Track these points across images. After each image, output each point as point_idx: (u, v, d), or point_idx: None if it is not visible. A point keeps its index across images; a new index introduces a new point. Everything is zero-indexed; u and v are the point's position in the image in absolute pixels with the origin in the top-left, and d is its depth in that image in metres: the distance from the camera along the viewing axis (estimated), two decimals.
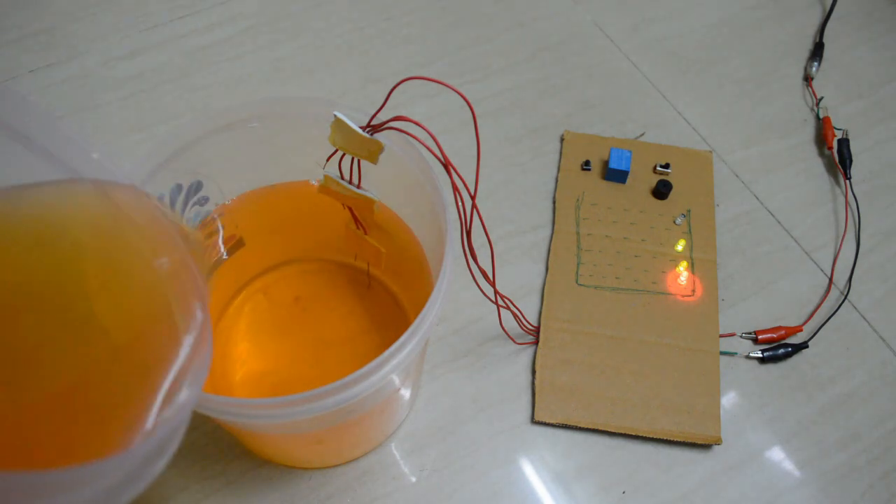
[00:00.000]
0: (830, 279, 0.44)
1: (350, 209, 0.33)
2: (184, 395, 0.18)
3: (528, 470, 0.37)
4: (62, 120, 0.48)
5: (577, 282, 0.42)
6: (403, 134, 0.27)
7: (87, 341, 0.17)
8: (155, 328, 0.19)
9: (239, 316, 0.37)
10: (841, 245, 0.45)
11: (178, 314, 0.20)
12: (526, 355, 0.40)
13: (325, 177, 0.31)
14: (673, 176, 0.46)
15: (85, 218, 0.19)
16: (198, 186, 0.32)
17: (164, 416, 0.18)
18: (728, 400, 0.39)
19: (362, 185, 0.31)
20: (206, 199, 0.33)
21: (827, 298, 0.43)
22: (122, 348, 0.18)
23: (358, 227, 0.34)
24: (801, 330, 0.41)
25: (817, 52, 0.53)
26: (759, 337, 0.41)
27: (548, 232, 0.44)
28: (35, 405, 0.16)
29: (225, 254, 0.32)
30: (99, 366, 0.17)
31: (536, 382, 0.39)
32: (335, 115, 0.28)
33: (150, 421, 0.17)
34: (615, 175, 0.45)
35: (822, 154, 0.49)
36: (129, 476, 0.15)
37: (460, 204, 0.28)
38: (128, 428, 0.17)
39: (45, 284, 0.17)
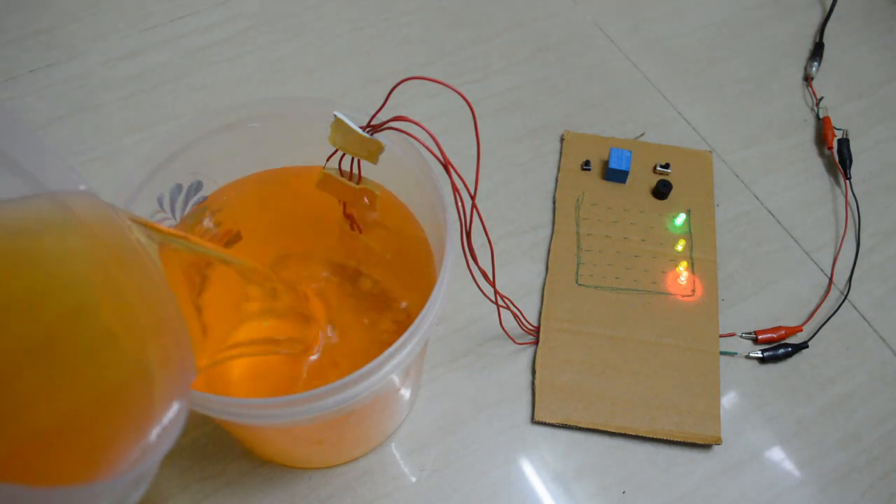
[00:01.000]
0: (830, 279, 0.44)
1: (345, 209, 0.33)
2: (160, 433, 0.18)
3: (528, 470, 0.37)
4: (61, 123, 0.48)
5: (577, 282, 0.42)
6: (403, 134, 0.27)
7: (70, 373, 0.17)
8: (128, 364, 0.19)
9: None
10: (841, 245, 0.45)
11: (155, 348, 0.19)
12: (526, 355, 0.40)
13: (324, 173, 0.30)
14: (673, 176, 0.46)
15: (60, 245, 0.18)
16: (198, 186, 0.32)
17: (144, 449, 0.17)
18: (728, 400, 0.39)
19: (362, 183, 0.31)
20: (205, 199, 0.33)
21: (827, 298, 0.43)
22: (98, 384, 0.18)
23: (353, 228, 0.34)
24: (801, 330, 0.41)
25: (817, 52, 0.53)
26: (759, 337, 0.41)
27: (548, 232, 0.44)
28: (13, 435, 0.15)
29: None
30: (76, 400, 0.17)
31: (536, 382, 0.39)
32: (335, 115, 0.28)
33: (130, 455, 0.17)
34: (615, 175, 0.45)
35: (822, 154, 0.49)
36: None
37: (460, 204, 0.28)
38: (106, 461, 0.17)
39: (27, 312, 0.16)
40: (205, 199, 0.33)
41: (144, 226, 0.21)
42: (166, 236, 0.22)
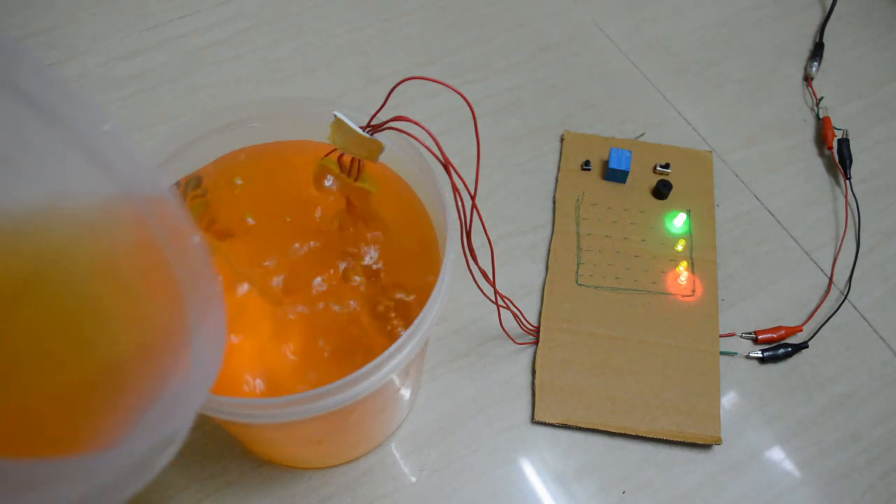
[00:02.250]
0: (830, 279, 0.44)
1: (348, 201, 0.33)
2: (188, 396, 0.18)
3: (528, 470, 0.37)
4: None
5: (577, 282, 0.42)
6: (403, 134, 0.27)
7: (89, 341, 0.17)
8: (163, 326, 0.19)
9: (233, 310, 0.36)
10: (841, 245, 0.45)
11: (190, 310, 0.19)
12: (526, 355, 0.40)
13: (321, 164, 0.30)
14: (673, 176, 0.46)
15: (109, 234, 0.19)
16: (197, 181, 0.32)
17: (166, 415, 0.17)
18: (728, 400, 0.39)
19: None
20: (205, 192, 0.33)
21: (827, 298, 0.43)
22: (125, 351, 0.18)
23: (356, 220, 0.33)
24: (801, 330, 0.41)
25: (817, 52, 0.53)
26: (759, 337, 0.41)
27: (548, 232, 0.44)
28: (30, 399, 0.16)
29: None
30: (101, 365, 0.17)
31: (536, 382, 0.39)
32: (335, 115, 0.28)
33: (150, 419, 0.17)
34: (615, 175, 0.45)
35: (822, 154, 0.49)
36: (126, 473, 0.15)
37: (460, 204, 0.28)
38: (125, 425, 0.17)
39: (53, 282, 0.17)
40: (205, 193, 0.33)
41: None
42: None
